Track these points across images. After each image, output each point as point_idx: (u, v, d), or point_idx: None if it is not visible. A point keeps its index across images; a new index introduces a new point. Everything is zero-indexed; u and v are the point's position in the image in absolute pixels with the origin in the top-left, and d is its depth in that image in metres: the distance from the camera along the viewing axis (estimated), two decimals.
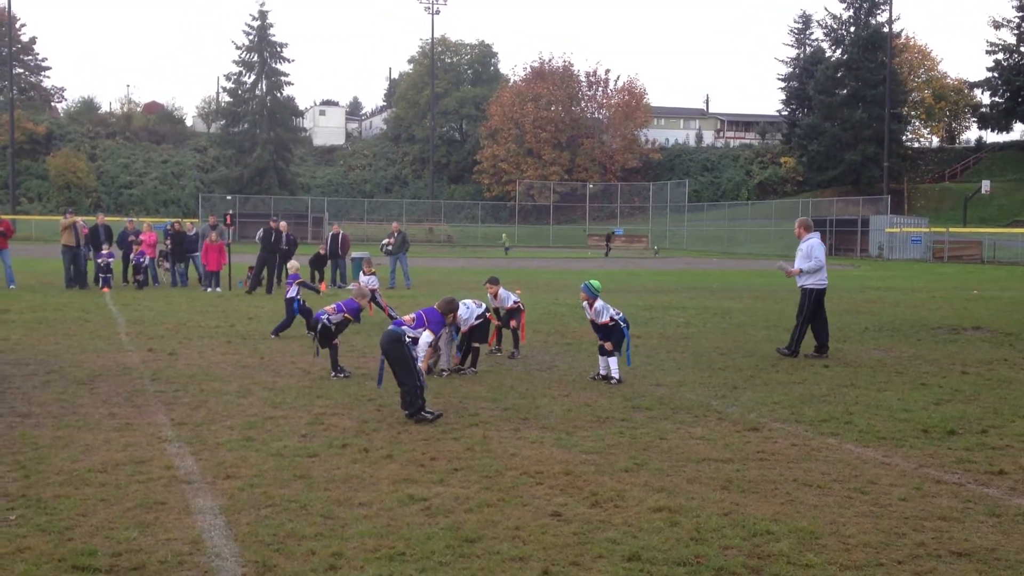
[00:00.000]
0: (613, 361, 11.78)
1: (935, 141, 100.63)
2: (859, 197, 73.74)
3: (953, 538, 6.06)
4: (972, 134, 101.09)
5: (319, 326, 11.96)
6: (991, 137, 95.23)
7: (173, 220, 32.37)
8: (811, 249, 14.29)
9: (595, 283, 12.06)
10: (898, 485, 7.24)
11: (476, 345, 12.52)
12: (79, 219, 25.89)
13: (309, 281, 27.08)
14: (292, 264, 17.11)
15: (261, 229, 25.33)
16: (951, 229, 61.61)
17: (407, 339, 9.52)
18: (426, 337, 9.66)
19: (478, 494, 6.87)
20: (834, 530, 6.17)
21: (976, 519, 6.44)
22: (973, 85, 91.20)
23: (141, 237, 26.50)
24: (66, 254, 25.02)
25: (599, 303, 11.93)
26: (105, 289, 24.30)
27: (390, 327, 9.80)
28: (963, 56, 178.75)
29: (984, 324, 18.95)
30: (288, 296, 15.92)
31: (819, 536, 6.05)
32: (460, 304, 12.48)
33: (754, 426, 9.27)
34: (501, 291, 14.11)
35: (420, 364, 9.55)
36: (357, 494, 6.84)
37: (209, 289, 25.01)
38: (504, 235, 70.77)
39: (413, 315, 9.85)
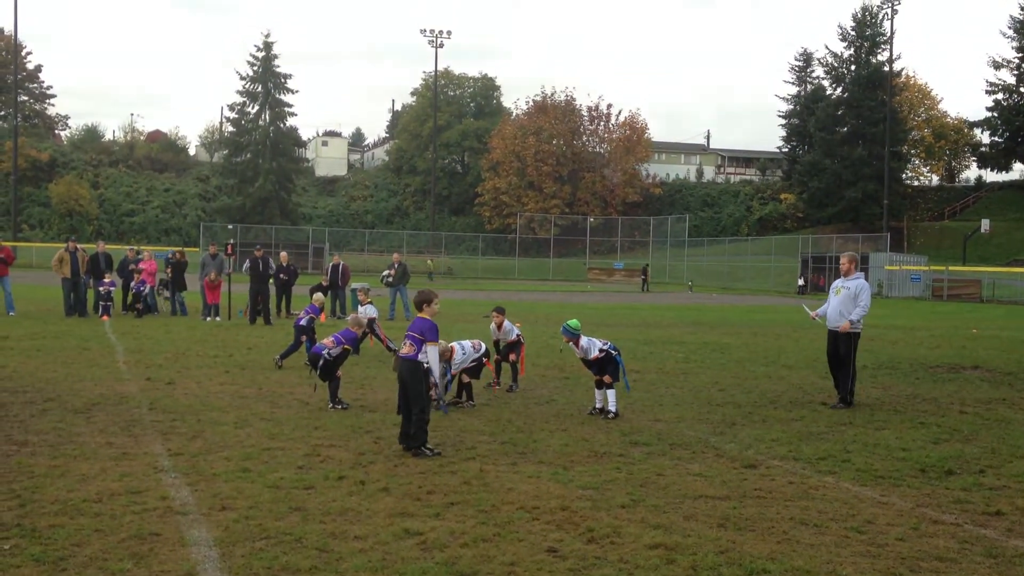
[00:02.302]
0: (611, 394, 11.73)
1: (935, 179, 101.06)
2: (859, 234, 73.88)
3: None
4: (972, 173, 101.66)
5: (320, 361, 11.94)
6: (991, 176, 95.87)
7: (175, 249, 32.45)
8: (860, 291, 13.13)
9: (572, 322, 11.90)
10: (895, 525, 7.22)
11: (468, 380, 12.46)
12: (80, 247, 25.93)
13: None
14: (317, 296, 17.12)
15: (247, 260, 25.37)
16: (950, 268, 61.66)
17: (425, 366, 9.48)
18: (433, 353, 9.58)
19: (474, 529, 6.85)
20: (830, 570, 6.14)
21: (973, 560, 6.42)
22: (973, 124, 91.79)
23: (141, 266, 26.52)
24: (66, 282, 25.05)
25: (583, 340, 11.83)
26: (104, 317, 24.30)
27: (400, 358, 9.68)
28: (963, 95, 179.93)
29: (983, 363, 18.94)
30: (298, 322, 15.99)
31: None
32: (457, 344, 12.41)
33: (751, 463, 9.25)
34: (506, 323, 14.01)
35: (435, 379, 9.56)
36: (353, 527, 6.82)
37: (208, 319, 25.01)
38: (429, 261, 71.40)
39: (408, 341, 9.58)
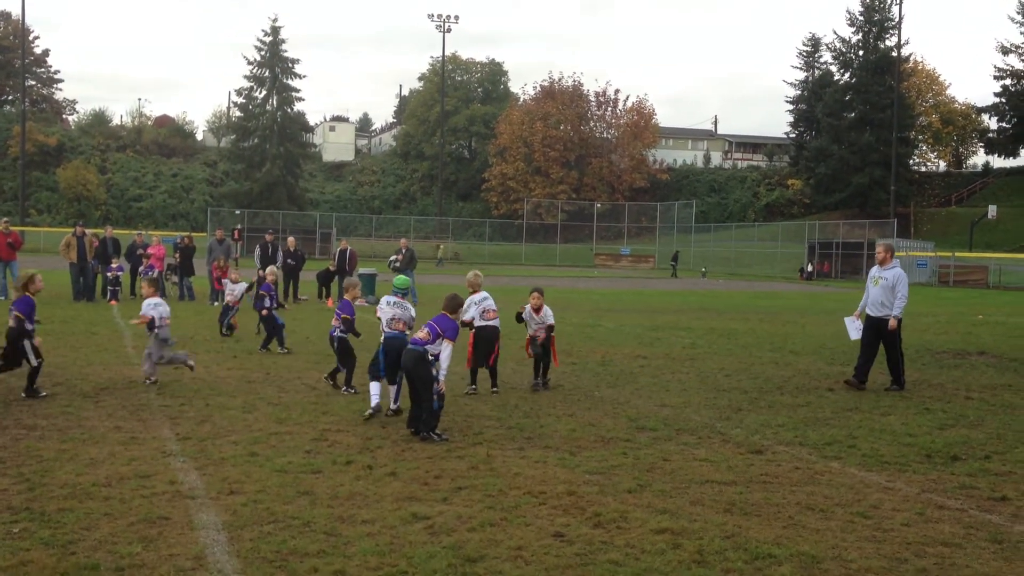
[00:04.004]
0: (374, 385, 10.54)
1: (942, 165, 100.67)
2: (865, 220, 73.62)
3: (955, 564, 6.06)
4: (979, 159, 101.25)
5: (334, 344, 12.02)
6: (998, 162, 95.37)
7: (183, 234, 32.46)
8: (898, 281, 13.30)
9: (400, 280, 10.97)
10: (901, 510, 7.24)
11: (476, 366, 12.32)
12: (88, 231, 25.97)
13: (318, 296, 27.28)
14: (270, 269, 17.32)
15: (257, 246, 25.40)
16: (957, 254, 61.52)
17: (430, 357, 9.50)
18: (447, 350, 9.60)
19: (481, 513, 6.89)
20: (836, 555, 6.17)
21: (978, 545, 6.44)
22: (981, 110, 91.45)
23: (150, 250, 26.57)
24: (73, 267, 25.11)
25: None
26: (113, 302, 24.37)
27: (409, 345, 9.68)
28: (971, 81, 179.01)
29: (989, 349, 18.92)
30: (257, 306, 16.27)
31: (821, 560, 6.05)
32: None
33: (758, 449, 9.27)
34: (546, 308, 12.76)
35: (441, 379, 9.49)
36: (360, 511, 6.86)
37: (216, 303, 25.04)
38: (441, 247, 71.75)
39: (426, 330, 9.62)
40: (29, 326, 11.18)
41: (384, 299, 10.73)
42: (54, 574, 5.51)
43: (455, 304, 10.11)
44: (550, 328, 12.80)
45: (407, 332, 10.38)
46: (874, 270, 13.86)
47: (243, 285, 18.56)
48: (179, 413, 10.37)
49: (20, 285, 11.64)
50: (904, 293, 13.35)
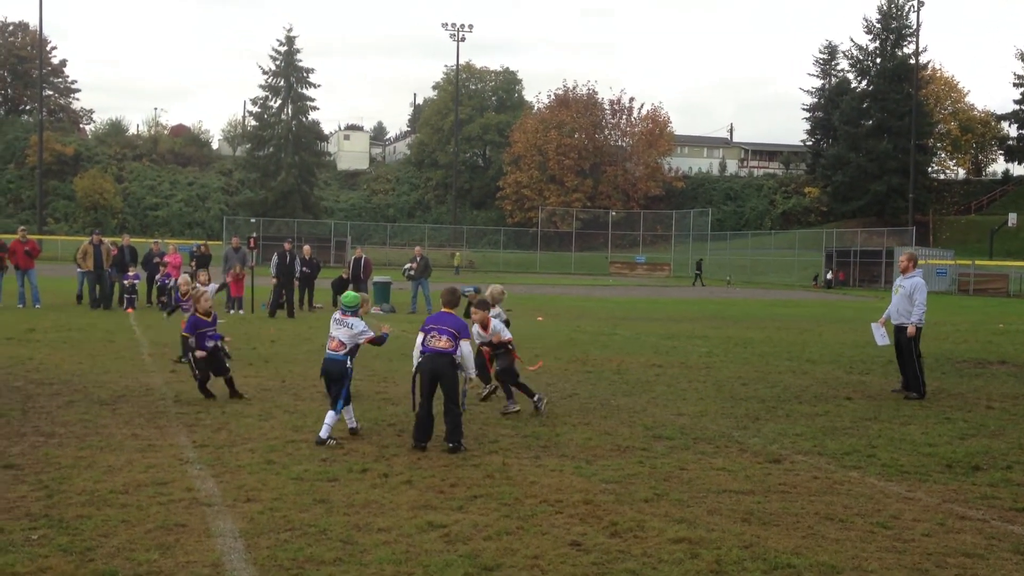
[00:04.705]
0: (331, 414, 9.56)
1: (961, 173, 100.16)
2: (884, 228, 73.32)
3: (977, 575, 5.99)
4: (999, 166, 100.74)
5: None
6: (1018, 170, 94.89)
7: (199, 242, 32.59)
8: (915, 290, 13.41)
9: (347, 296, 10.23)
10: (921, 520, 7.17)
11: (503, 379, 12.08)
12: (106, 240, 26.12)
13: (332, 304, 27.31)
14: (183, 279, 16.84)
15: (275, 254, 25.49)
16: (977, 262, 61.08)
17: (458, 361, 9.48)
18: (468, 350, 9.58)
19: (497, 522, 6.86)
20: (856, 565, 6.11)
21: (1000, 556, 6.37)
22: (1000, 117, 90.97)
23: (166, 259, 26.69)
24: (89, 275, 25.26)
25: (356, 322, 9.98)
26: (129, 310, 24.47)
27: (429, 353, 9.47)
28: (990, 88, 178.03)
29: (1010, 358, 18.78)
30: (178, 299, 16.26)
31: (841, 571, 6.00)
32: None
33: (776, 458, 9.21)
34: (494, 322, 11.59)
35: (471, 376, 9.46)
36: (376, 519, 6.85)
37: (231, 311, 25.13)
38: (457, 255, 71.99)
39: (444, 338, 9.42)
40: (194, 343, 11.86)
41: (333, 317, 10.22)
42: None
43: (455, 298, 9.99)
44: (502, 344, 11.60)
45: (342, 351, 9.76)
46: (897, 279, 14.05)
47: (213, 287, 18.30)
48: (196, 421, 10.38)
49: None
50: (921, 300, 13.42)
